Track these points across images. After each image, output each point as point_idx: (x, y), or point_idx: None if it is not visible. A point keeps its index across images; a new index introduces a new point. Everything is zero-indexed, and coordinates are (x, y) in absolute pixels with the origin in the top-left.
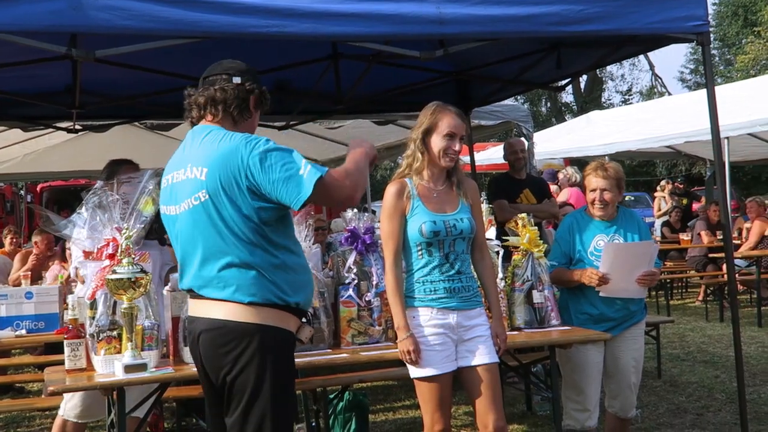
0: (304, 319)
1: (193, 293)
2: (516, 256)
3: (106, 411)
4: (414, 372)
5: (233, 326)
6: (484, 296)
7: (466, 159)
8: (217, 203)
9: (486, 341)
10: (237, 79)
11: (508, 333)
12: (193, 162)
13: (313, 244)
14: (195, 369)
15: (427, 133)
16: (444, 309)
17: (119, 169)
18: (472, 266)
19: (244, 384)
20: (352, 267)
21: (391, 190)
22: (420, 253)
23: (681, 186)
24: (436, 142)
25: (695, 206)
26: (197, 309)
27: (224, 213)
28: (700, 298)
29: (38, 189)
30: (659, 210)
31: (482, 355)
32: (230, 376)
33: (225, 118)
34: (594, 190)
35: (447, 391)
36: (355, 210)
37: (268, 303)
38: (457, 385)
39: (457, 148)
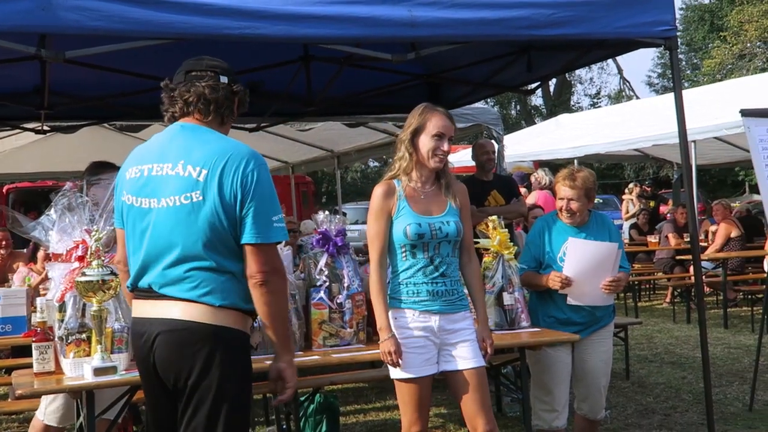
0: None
1: (150, 292)
2: (486, 259)
3: (75, 414)
4: (394, 373)
5: (197, 327)
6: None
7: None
8: (209, 206)
9: (471, 345)
10: (224, 79)
11: None
12: (187, 160)
13: (284, 246)
14: None
15: (416, 133)
16: (426, 312)
17: (103, 171)
18: (459, 270)
19: (208, 387)
20: (324, 269)
21: (378, 191)
22: (404, 254)
23: (648, 189)
24: (425, 143)
25: (662, 209)
26: (153, 310)
27: (213, 217)
28: (668, 299)
29: (4, 190)
30: (627, 212)
31: (467, 359)
32: (192, 379)
33: (214, 118)
34: (562, 199)
35: (426, 393)
36: (327, 212)
37: (233, 306)
38: (435, 388)
39: (445, 148)
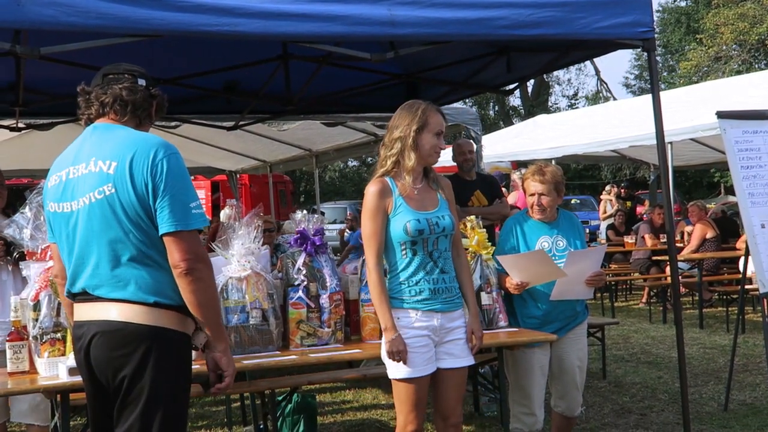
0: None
1: (86, 295)
2: None
3: (49, 414)
4: (394, 372)
5: (133, 328)
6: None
7: None
8: (123, 197)
9: (464, 343)
10: (142, 82)
11: None
12: (98, 156)
13: (262, 245)
14: None
15: (419, 131)
16: (429, 311)
17: None
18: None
19: (140, 389)
20: (302, 268)
21: (372, 189)
22: (404, 252)
23: (625, 190)
24: (428, 140)
25: (639, 210)
26: (90, 312)
27: (129, 209)
28: (644, 300)
29: None
30: (605, 213)
31: (459, 358)
32: (126, 379)
33: (131, 119)
34: (533, 195)
35: (424, 393)
36: (305, 211)
37: (173, 303)
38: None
39: (443, 145)
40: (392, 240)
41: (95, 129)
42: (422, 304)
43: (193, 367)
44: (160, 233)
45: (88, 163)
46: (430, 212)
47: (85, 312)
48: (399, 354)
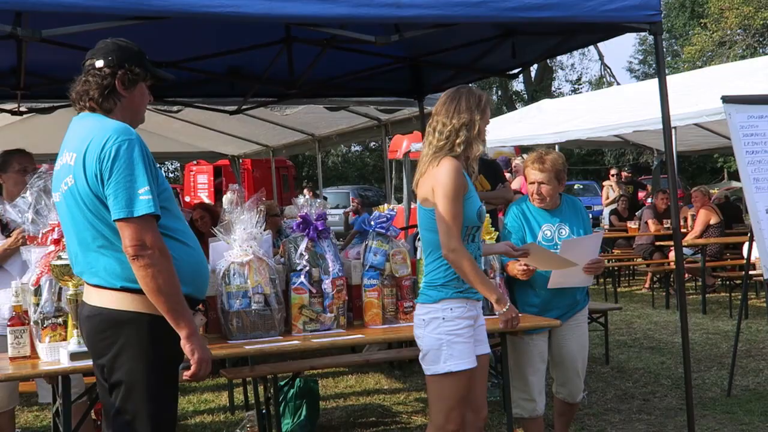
0: (200, 307)
1: (81, 279)
2: None
3: (52, 398)
4: (442, 366)
5: (108, 313)
6: None
7: (418, 147)
8: (81, 188)
9: (484, 330)
10: (99, 63)
11: None
12: (68, 148)
13: (264, 230)
14: None
15: (483, 121)
16: (474, 300)
17: (11, 159)
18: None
19: (119, 373)
20: (304, 254)
21: (454, 165)
22: (469, 237)
23: (628, 175)
24: (483, 129)
25: (641, 195)
26: (85, 294)
27: (87, 199)
28: (647, 285)
29: None
30: (608, 198)
31: (484, 343)
32: (106, 364)
33: (98, 107)
34: (533, 183)
35: (469, 387)
36: (307, 196)
37: (137, 290)
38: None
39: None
40: (463, 223)
41: (74, 120)
42: (471, 293)
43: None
44: (112, 219)
45: (62, 155)
46: None
47: (84, 293)
48: (515, 320)
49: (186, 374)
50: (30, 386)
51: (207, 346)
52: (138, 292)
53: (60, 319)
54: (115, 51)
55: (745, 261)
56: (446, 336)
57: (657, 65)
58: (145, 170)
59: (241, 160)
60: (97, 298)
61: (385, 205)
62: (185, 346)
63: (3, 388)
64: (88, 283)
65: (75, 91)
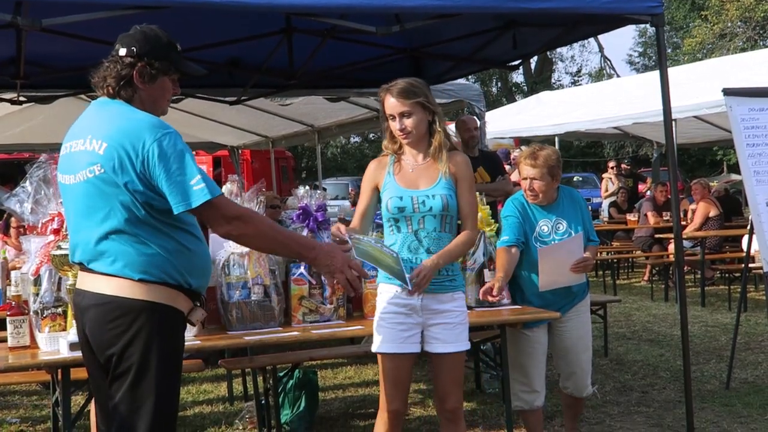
0: (197, 303)
1: (83, 267)
2: None
3: (51, 388)
4: (374, 346)
5: (121, 302)
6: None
7: None
8: (111, 180)
9: (455, 328)
10: (123, 51)
11: None
12: (93, 134)
13: None
14: None
15: (385, 116)
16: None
17: None
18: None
19: (129, 362)
20: None
21: (370, 164)
22: (391, 229)
23: (627, 167)
24: (391, 125)
25: (641, 187)
26: (86, 282)
27: (116, 190)
28: (646, 278)
29: None
30: (606, 191)
31: (446, 343)
32: (116, 353)
33: (119, 94)
34: (525, 179)
35: (404, 372)
36: (307, 187)
37: (159, 281)
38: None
39: (399, 126)
40: (383, 217)
41: (95, 104)
42: (394, 281)
43: (193, 343)
44: (175, 213)
45: (85, 140)
46: (419, 190)
47: (83, 281)
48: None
49: (337, 282)
50: (30, 376)
51: (335, 254)
52: (153, 282)
53: (60, 309)
54: (139, 41)
55: (744, 254)
56: (377, 317)
57: (658, 57)
58: (192, 159)
59: (240, 151)
60: (106, 286)
61: None
62: (320, 267)
63: None
64: (95, 271)
65: (97, 74)
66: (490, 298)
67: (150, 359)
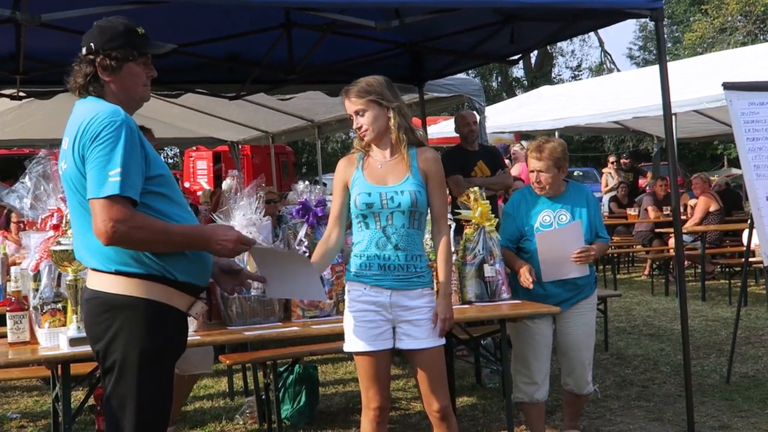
0: (201, 297)
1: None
2: (468, 230)
3: (51, 384)
4: (346, 346)
5: (105, 297)
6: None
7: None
8: (72, 173)
9: (426, 323)
10: (84, 50)
11: (458, 307)
12: (65, 133)
13: (264, 216)
14: None
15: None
16: (377, 287)
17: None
18: (425, 244)
19: (112, 358)
20: (303, 240)
21: (340, 163)
22: (359, 225)
23: (627, 161)
24: (352, 121)
25: (641, 182)
26: (87, 278)
27: (77, 182)
28: (646, 272)
29: None
30: (606, 185)
31: (420, 339)
32: (101, 349)
33: (84, 93)
34: (533, 172)
35: (381, 370)
36: (307, 182)
37: (149, 276)
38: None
39: (356, 125)
40: (352, 214)
41: (74, 105)
42: (371, 278)
43: (193, 338)
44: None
45: (64, 139)
46: (387, 186)
47: (87, 277)
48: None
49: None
50: (30, 371)
51: (230, 233)
52: (132, 275)
53: (59, 305)
54: (95, 36)
55: (744, 248)
56: (347, 316)
57: (658, 51)
58: (124, 152)
59: (240, 146)
60: (95, 281)
61: None
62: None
63: (196, 352)
64: (88, 267)
65: (71, 79)
66: (529, 284)
67: (132, 355)
